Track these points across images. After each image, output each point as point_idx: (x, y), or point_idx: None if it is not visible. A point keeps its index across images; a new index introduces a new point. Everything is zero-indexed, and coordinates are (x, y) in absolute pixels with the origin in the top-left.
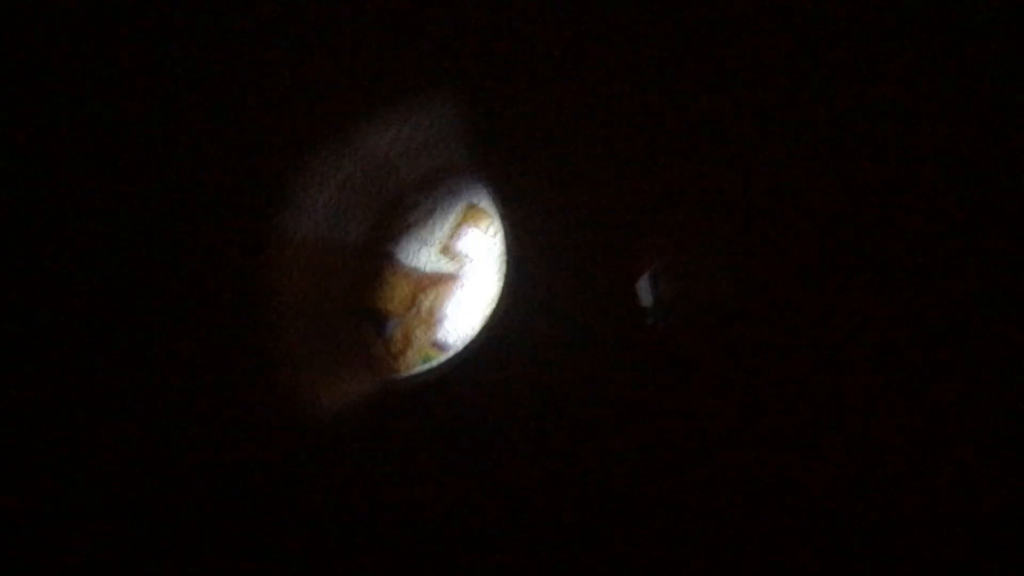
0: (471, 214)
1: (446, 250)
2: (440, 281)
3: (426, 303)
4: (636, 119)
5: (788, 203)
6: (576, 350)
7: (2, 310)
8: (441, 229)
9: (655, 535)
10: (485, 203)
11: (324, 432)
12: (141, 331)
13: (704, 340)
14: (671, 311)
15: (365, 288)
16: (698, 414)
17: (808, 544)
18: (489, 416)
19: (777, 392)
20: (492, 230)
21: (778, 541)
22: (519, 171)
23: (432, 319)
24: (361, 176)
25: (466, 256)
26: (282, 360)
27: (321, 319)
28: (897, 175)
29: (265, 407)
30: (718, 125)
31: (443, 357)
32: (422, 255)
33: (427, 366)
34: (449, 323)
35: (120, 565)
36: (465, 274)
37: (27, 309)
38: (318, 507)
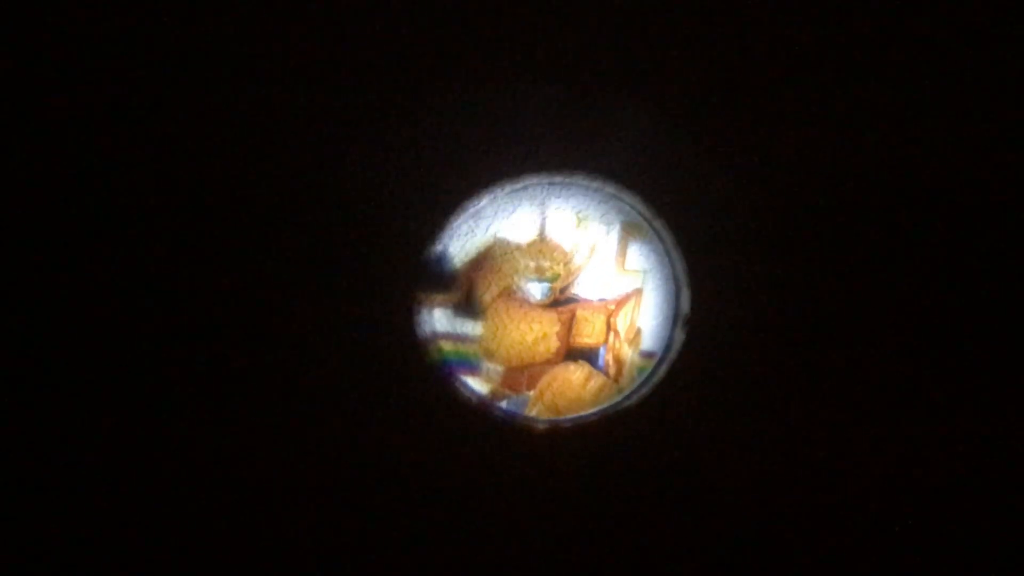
0: (629, 231)
1: (621, 271)
2: (626, 300)
3: (622, 324)
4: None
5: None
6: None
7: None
8: (609, 254)
9: None
10: (635, 215)
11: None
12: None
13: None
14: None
15: (566, 334)
16: None
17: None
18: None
19: None
20: (652, 236)
21: None
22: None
23: (632, 335)
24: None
25: (640, 269)
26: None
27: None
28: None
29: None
30: None
31: (652, 365)
32: (602, 284)
33: (642, 378)
34: (647, 332)
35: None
36: (645, 283)
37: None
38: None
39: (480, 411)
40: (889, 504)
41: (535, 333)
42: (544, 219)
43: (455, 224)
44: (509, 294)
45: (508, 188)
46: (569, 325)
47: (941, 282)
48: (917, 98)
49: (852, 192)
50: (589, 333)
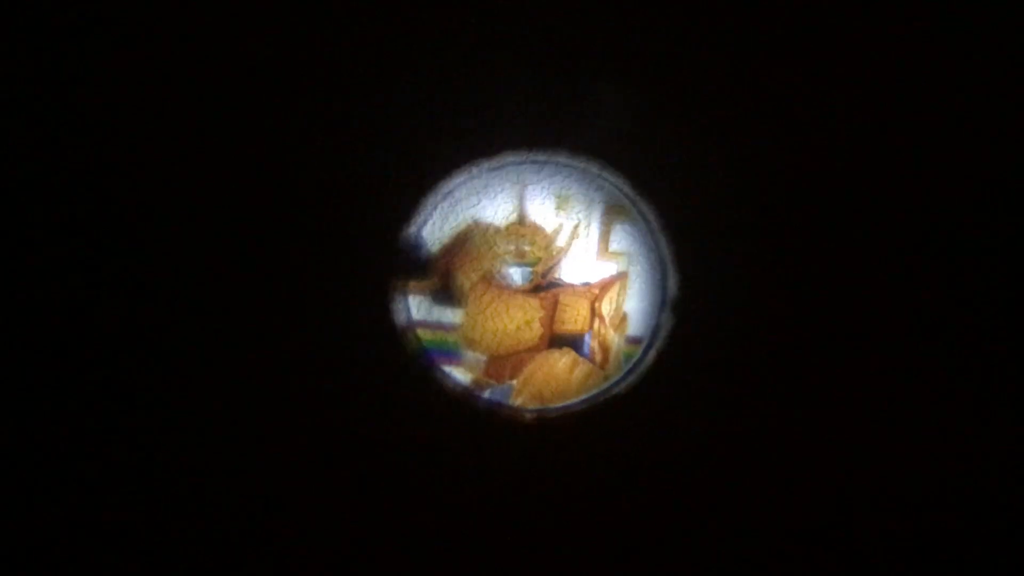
0: (613, 212)
1: (605, 254)
2: (611, 284)
3: (607, 309)
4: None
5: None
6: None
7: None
8: (593, 237)
9: None
10: (619, 196)
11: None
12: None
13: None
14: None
15: (550, 320)
16: None
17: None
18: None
19: None
20: (637, 218)
21: None
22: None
23: (618, 321)
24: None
25: (625, 252)
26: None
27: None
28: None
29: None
30: None
31: (639, 351)
32: (585, 268)
33: (630, 364)
34: (634, 317)
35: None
36: (631, 267)
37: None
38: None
39: (464, 401)
40: (879, 487)
41: (517, 320)
42: (524, 200)
43: (430, 206)
44: (489, 279)
45: (485, 167)
46: (552, 311)
47: (927, 263)
48: (901, 76)
49: (840, 174)
50: (573, 319)
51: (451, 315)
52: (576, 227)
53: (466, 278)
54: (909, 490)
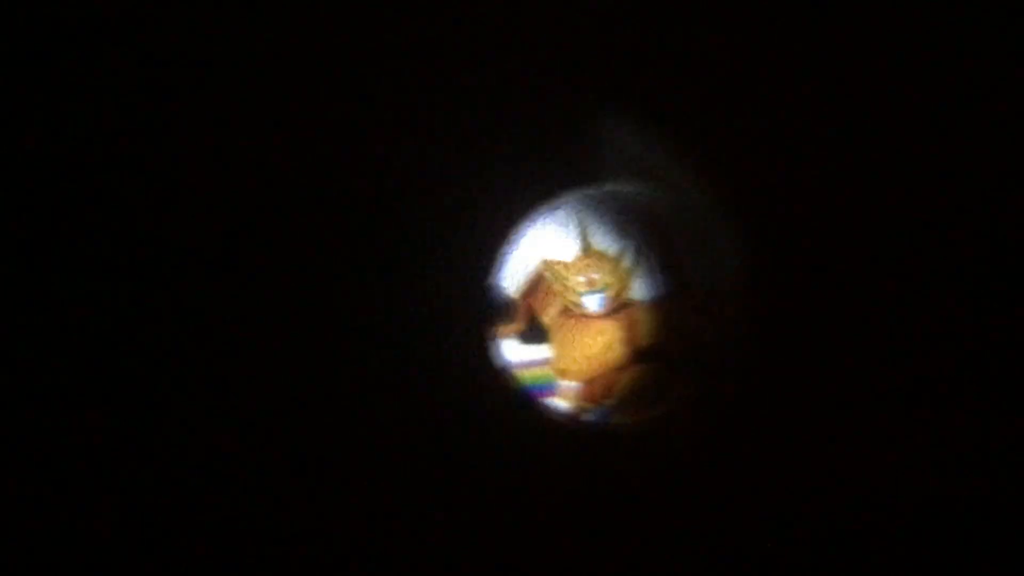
0: (669, 229)
1: (666, 268)
2: (676, 295)
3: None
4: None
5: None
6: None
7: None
8: (653, 255)
9: None
10: (671, 216)
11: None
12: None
13: None
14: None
15: (629, 338)
16: None
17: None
18: None
19: None
20: (691, 234)
21: None
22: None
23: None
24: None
25: (683, 265)
26: None
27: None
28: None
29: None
30: None
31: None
32: (652, 284)
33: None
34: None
35: None
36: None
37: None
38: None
39: (571, 425)
40: (904, 486)
41: (600, 344)
42: (585, 232)
43: (506, 255)
44: (567, 312)
45: (546, 209)
46: (631, 329)
47: (938, 267)
48: (908, 89)
49: (852, 180)
50: (650, 333)
51: (540, 352)
52: (637, 248)
53: (547, 315)
54: (934, 489)
